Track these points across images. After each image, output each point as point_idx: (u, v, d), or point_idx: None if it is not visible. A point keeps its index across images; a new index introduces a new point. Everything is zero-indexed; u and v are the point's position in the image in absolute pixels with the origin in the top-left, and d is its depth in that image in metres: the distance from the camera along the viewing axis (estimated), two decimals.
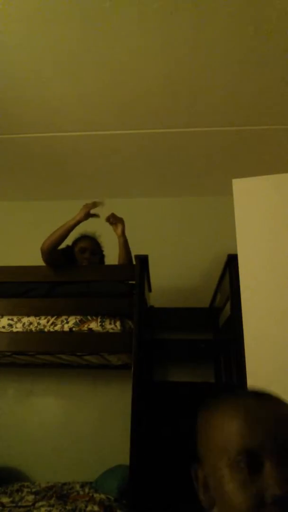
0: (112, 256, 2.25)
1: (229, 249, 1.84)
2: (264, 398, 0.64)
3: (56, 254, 2.01)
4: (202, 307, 2.63)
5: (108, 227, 2.19)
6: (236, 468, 0.57)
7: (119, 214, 2.15)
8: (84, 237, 2.24)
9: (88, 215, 1.98)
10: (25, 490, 2.12)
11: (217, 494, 0.59)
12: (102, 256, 2.30)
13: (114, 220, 2.12)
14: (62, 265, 2.03)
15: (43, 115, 2.25)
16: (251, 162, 2.58)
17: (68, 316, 1.85)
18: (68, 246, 2.20)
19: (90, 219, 2.02)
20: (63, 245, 2.15)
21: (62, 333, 1.82)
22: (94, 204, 1.99)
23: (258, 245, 1.55)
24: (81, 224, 2.04)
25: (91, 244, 2.23)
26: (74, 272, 2.05)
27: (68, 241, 2.16)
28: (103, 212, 2.06)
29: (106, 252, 2.31)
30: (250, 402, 0.62)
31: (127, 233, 2.17)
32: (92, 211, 1.99)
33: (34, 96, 2.10)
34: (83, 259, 2.18)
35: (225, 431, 0.60)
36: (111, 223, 2.14)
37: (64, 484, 2.22)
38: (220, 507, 0.59)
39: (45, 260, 2.00)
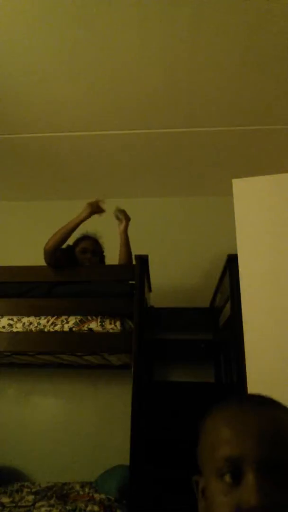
0: (112, 256, 2.25)
1: (229, 249, 1.84)
2: (260, 407, 0.61)
3: (58, 255, 2.01)
4: (202, 307, 2.63)
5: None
6: (220, 477, 0.56)
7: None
8: (85, 238, 2.25)
9: (92, 213, 2.00)
10: (25, 490, 2.12)
11: (209, 504, 0.58)
12: (102, 256, 2.30)
13: (121, 215, 2.17)
14: (63, 265, 2.03)
15: (43, 115, 2.25)
16: (251, 162, 2.58)
17: (68, 316, 1.85)
18: (69, 246, 2.20)
19: (92, 217, 2.04)
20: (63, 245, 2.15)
21: (62, 333, 1.82)
22: (98, 203, 2.01)
23: (258, 245, 1.55)
24: (80, 225, 2.04)
25: (93, 245, 2.24)
26: (74, 272, 2.05)
27: (69, 241, 2.16)
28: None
29: (106, 252, 2.31)
30: (238, 410, 0.61)
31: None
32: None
33: (34, 96, 2.10)
34: (84, 259, 2.18)
35: (213, 440, 0.60)
36: (118, 218, 2.18)
37: (64, 484, 2.22)
38: None
39: (48, 261, 1.99)
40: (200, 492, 0.62)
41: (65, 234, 1.98)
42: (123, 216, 2.18)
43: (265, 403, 0.62)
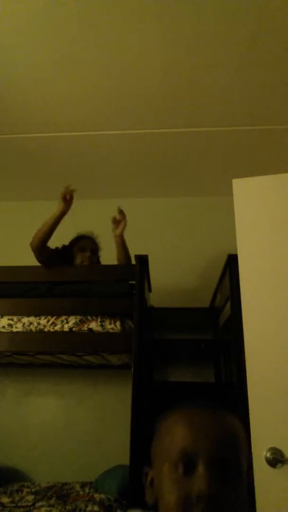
0: (109, 256, 2.24)
1: (229, 249, 1.84)
2: (210, 410, 0.71)
3: (46, 251, 2.01)
4: (202, 307, 2.63)
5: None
6: (174, 468, 0.64)
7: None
8: (84, 237, 2.25)
9: (68, 203, 1.97)
10: (25, 490, 2.12)
11: (159, 492, 0.67)
12: (98, 257, 2.30)
13: (119, 218, 2.10)
14: (55, 262, 2.03)
15: (43, 115, 2.25)
16: (251, 162, 2.58)
17: (68, 316, 1.85)
18: (64, 246, 2.20)
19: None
20: (59, 245, 2.15)
21: (62, 333, 1.82)
22: (68, 191, 1.97)
23: (258, 245, 1.55)
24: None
25: (92, 243, 2.24)
26: (74, 272, 2.05)
27: (66, 241, 2.16)
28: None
29: (103, 252, 2.31)
30: (195, 412, 0.70)
31: (127, 233, 2.17)
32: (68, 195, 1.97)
33: (34, 96, 2.10)
34: (84, 257, 2.17)
35: (171, 436, 0.68)
36: (114, 222, 2.12)
37: (64, 484, 2.22)
38: (160, 503, 0.66)
39: (37, 258, 2.00)
40: (149, 482, 0.73)
41: (48, 230, 1.97)
42: (123, 218, 2.11)
43: (217, 409, 0.72)
